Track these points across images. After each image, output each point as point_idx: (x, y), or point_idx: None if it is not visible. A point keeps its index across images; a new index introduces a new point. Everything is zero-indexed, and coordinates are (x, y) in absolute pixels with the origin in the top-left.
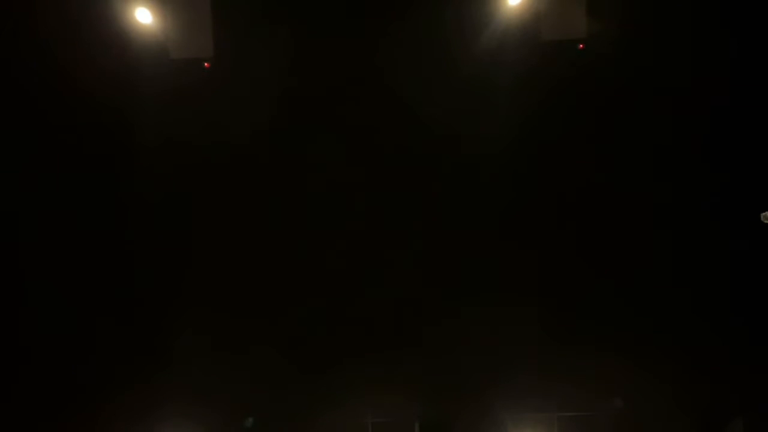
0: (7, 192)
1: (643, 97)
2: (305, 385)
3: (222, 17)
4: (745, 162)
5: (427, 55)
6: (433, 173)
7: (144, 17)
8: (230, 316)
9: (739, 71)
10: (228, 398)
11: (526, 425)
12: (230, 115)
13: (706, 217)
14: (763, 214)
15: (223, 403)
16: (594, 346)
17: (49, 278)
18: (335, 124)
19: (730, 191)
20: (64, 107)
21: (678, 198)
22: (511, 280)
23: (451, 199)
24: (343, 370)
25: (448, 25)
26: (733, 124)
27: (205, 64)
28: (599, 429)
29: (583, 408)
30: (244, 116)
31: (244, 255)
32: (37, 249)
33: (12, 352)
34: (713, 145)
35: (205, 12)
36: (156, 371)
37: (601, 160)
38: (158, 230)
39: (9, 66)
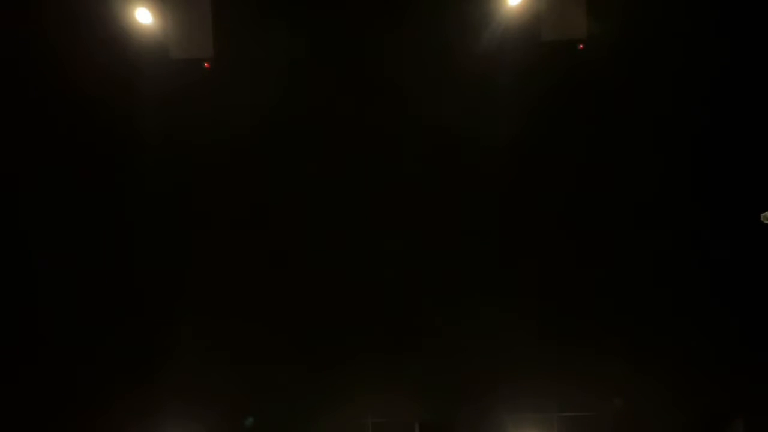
0: (7, 192)
1: (643, 97)
2: (305, 385)
3: (222, 17)
4: (745, 162)
5: (427, 55)
6: (433, 173)
7: (144, 17)
8: (230, 317)
9: (739, 71)
10: (228, 398)
11: (526, 425)
12: (230, 115)
13: (706, 218)
14: (763, 214)
15: (223, 403)
16: (594, 346)
17: (48, 278)
18: (335, 124)
19: (730, 191)
20: (65, 107)
21: (678, 198)
22: (511, 280)
23: (451, 200)
24: (343, 370)
25: (448, 25)
26: (733, 124)
27: (205, 64)
28: (599, 429)
29: (583, 408)
30: (244, 116)
31: (244, 255)
32: (36, 249)
33: (12, 353)
34: (713, 145)
35: (205, 12)
36: (156, 371)
37: (601, 160)
38: (158, 230)
39: (9, 66)
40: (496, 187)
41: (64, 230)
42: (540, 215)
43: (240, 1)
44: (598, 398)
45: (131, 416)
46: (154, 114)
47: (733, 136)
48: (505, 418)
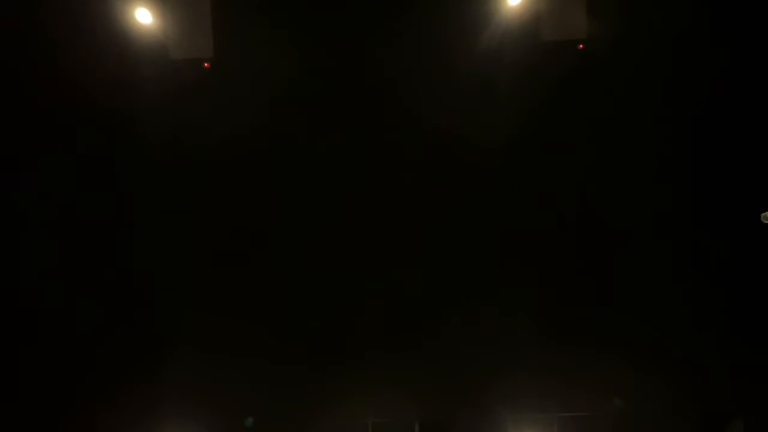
0: (7, 192)
1: (642, 96)
2: (305, 385)
3: (222, 17)
4: (745, 162)
5: (427, 54)
6: (434, 173)
7: (144, 17)
8: (230, 317)
9: (739, 71)
10: (228, 398)
11: (526, 425)
12: (230, 115)
13: (706, 217)
14: (763, 214)
15: (223, 403)
16: (594, 346)
17: (49, 279)
18: (335, 123)
19: (730, 191)
20: (64, 107)
21: (678, 198)
22: (511, 280)
23: (451, 199)
24: (343, 370)
25: (448, 25)
26: (733, 124)
27: (205, 64)
28: (599, 429)
29: (583, 408)
30: (244, 116)
31: (244, 255)
32: (37, 249)
33: (13, 353)
34: (713, 145)
35: (205, 12)
36: (156, 371)
37: (601, 160)
38: (158, 230)
39: (10, 66)
40: (496, 187)
41: (64, 230)
42: (540, 215)
43: (240, 1)
44: (598, 398)
45: (131, 416)
46: (154, 114)
47: (733, 135)
48: (505, 417)
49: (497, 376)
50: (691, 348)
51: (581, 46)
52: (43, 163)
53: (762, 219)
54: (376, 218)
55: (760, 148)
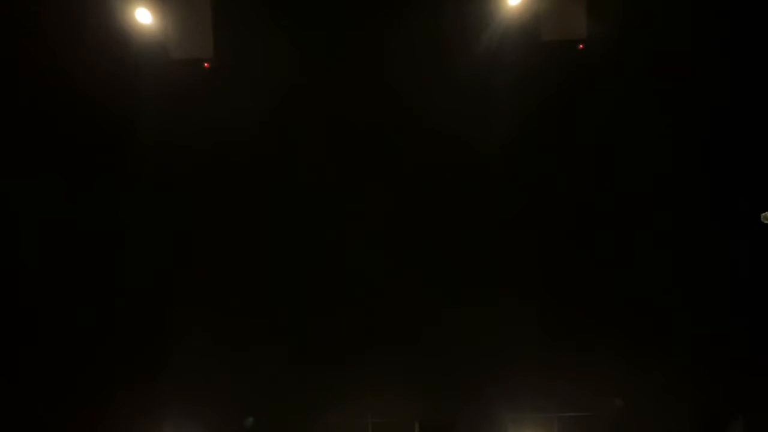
0: (7, 192)
1: (642, 97)
2: (305, 385)
3: (222, 17)
4: (745, 162)
5: (427, 55)
6: (433, 173)
7: (144, 17)
8: (230, 316)
9: (739, 71)
10: (228, 398)
11: (526, 425)
12: (230, 116)
13: (706, 217)
14: (763, 214)
15: (223, 403)
16: (594, 346)
17: (48, 278)
18: (335, 124)
19: (730, 191)
20: (65, 107)
21: (678, 198)
22: (511, 279)
23: (450, 199)
24: (343, 369)
25: (448, 25)
26: (733, 124)
27: (205, 64)
28: (599, 429)
29: (583, 408)
30: (244, 117)
31: (243, 255)
32: (37, 249)
33: (12, 352)
34: (713, 145)
35: (205, 12)
36: (156, 371)
37: (601, 160)
38: (158, 230)
39: (9, 66)
40: (496, 186)
41: (64, 230)
42: (540, 215)
43: (240, 1)
44: (598, 398)
45: (131, 416)
46: (154, 114)
47: (733, 136)
48: (505, 417)
49: (497, 376)
50: (691, 347)
51: (581, 46)
52: (42, 163)
53: (762, 219)
54: (375, 219)
55: (760, 148)
